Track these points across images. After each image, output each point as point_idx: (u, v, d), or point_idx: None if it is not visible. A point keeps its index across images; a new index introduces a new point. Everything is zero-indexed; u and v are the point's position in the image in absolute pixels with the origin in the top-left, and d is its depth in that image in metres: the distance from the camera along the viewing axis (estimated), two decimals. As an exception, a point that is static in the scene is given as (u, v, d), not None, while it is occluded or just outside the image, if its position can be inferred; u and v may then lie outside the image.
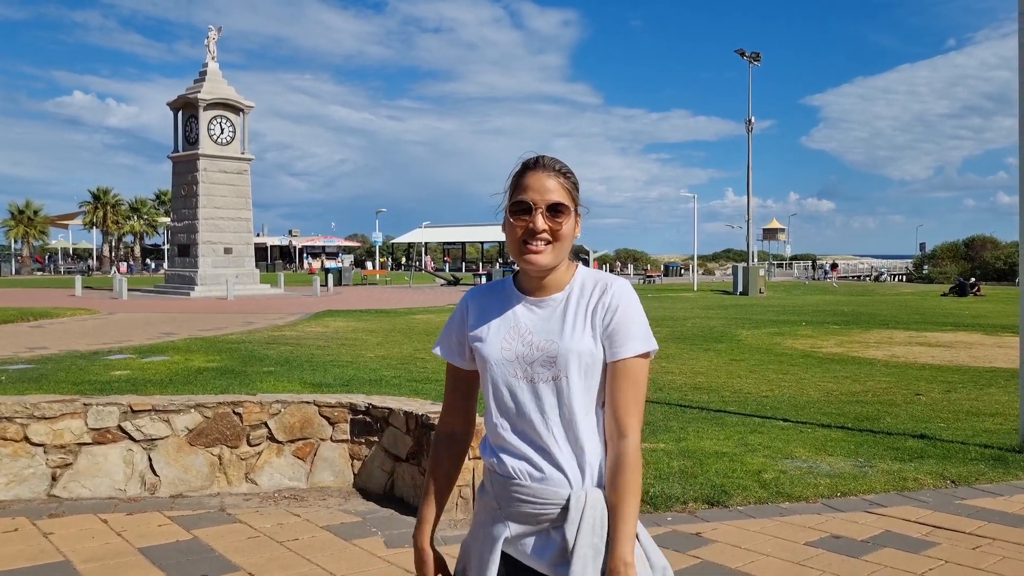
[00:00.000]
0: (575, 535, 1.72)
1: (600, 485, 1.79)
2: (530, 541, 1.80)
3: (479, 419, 2.06)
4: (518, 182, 1.84)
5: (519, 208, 1.81)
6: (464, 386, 1.98)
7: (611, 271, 48.03)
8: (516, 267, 1.94)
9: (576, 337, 1.79)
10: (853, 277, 65.55)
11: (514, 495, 1.79)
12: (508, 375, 1.82)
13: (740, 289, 34.63)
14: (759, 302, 28.86)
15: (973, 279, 38.05)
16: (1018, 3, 6.60)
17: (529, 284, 1.88)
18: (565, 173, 1.85)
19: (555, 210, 1.80)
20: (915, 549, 4.32)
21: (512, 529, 1.80)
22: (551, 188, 1.81)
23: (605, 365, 1.82)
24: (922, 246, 71.03)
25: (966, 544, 4.38)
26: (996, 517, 4.83)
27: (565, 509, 1.75)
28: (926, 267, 60.44)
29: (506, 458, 1.82)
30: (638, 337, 1.81)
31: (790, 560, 4.18)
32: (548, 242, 1.80)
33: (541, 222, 1.79)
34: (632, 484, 1.76)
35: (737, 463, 5.95)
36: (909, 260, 73.72)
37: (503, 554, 1.82)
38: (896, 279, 62.48)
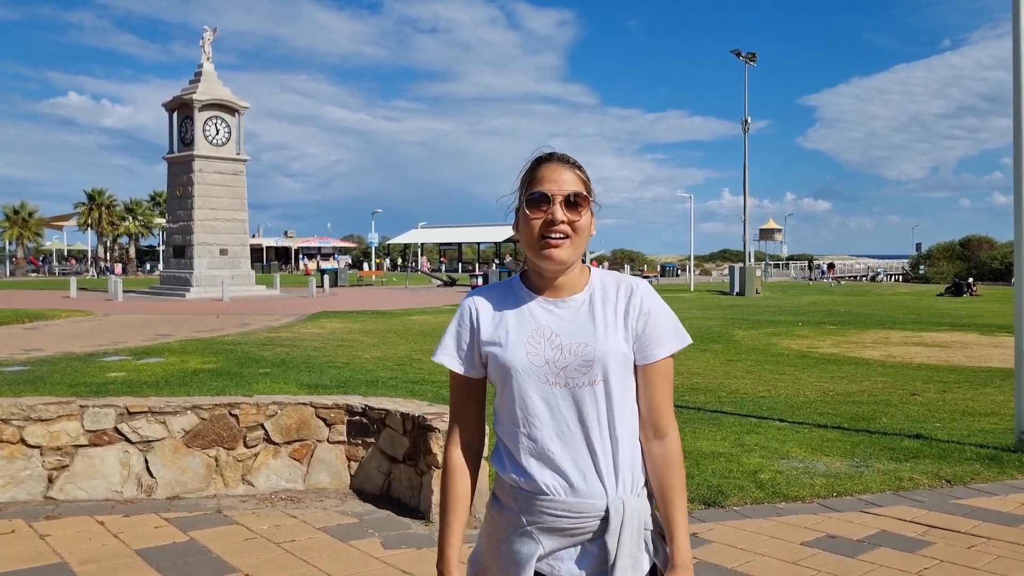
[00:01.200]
0: (616, 545, 1.68)
1: (633, 491, 1.74)
2: (565, 555, 1.73)
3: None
4: (532, 175, 1.77)
5: (536, 199, 1.73)
6: (476, 396, 1.86)
7: None
8: (510, 267, 1.90)
9: (611, 339, 1.73)
10: (850, 277, 65.69)
11: (546, 511, 1.72)
12: (539, 382, 1.73)
13: (737, 289, 34.67)
14: (755, 302, 28.90)
15: (971, 279, 38.13)
16: (1012, 3, 6.62)
17: (543, 284, 1.80)
18: (579, 166, 1.79)
19: (573, 201, 1.73)
20: (911, 549, 4.33)
21: (545, 546, 1.73)
22: (567, 179, 1.74)
23: (634, 367, 1.78)
24: (918, 246, 71.16)
25: (961, 543, 4.40)
26: (991, 516, 4.84)
27: (604, 520, 1.70)
28: (922, 267, 60.58)
29: (535, 472, 1.73)
30: (671, 337, 1.79)
31: (786, 560, 4.19)
32: (567, 235, 1.73)
33: (560, 213, 1.72)
34: (681, 481, 1.78)
35: (734, 463, 5.96)
36: (905, 260, 73.87)
37: (536, 571, 1.74)
38: (892, 279, 62.63)
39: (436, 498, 4.85)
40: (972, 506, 5.06)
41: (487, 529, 1.85)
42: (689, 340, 1.82)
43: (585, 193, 1.76)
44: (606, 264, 65.01)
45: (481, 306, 1.84)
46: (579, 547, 1.73)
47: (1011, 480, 5.68)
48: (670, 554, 1.75)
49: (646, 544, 1.74)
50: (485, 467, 4.92)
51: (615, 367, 1.72)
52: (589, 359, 1.72)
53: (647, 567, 1.73)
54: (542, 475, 1.72)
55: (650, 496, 1.81)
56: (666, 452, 1.78)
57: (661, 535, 1.78)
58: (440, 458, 4.87)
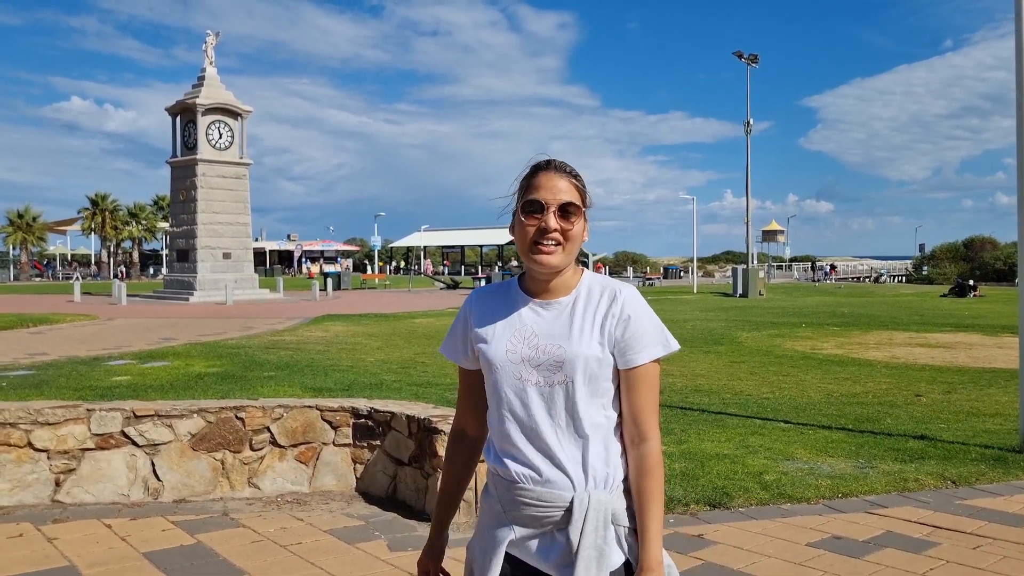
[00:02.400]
0: (579, 537, 1.75)
1: (605, 487, 1.80)
2: (535, 543, 1.82)
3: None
4: (529, 182, 1.85)
5: (531, 207, 1.81)
6: (476, 387, 1.97)
7: (610, 274, 47.92)
8: (512, 270, 1.95)
9: (584, 342, 1.80)
10: (853, 278, 65.67)
11: (518, 499, 1.81)
12: (514, 378, 1.83)
13: (740, 291, 34.66)
14: (759, 304, 28.88)
15: (972, 280, 38.07)
16: (1015, 4, 6.63)
17: (535, 286, 1.88)
18: (575, 175, 1.86)
19: (566, 210, 1.80)
20: (916, 549, 4.33)
21: (517, 532, 1.83)
22: (562, 188, 1.81)
23: (615, 371, 1.83)
24: (921, 247, 71.14)
25: (967, 544, 4.40)
26: (996, 517, 4.84)
27: (568, 511, 1.77)
28: (925, 268, 60.49)
29: (510, 462, 1.83)
30: (652, 343, 1.83)
31: (792, 561, 4.19)
32: (558, 243, 1.80)
33: (553, 221, 1.79)
34: (657, 487, 1.81)
35: (738, 465, 5.97)
36: (909, 261, 73.80)
37: (510, 556, 1.85)
38: (896, 280, 62.56)
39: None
40: (977, 507, 5.06)
41: (480, 516, 1.97)
42: (676, 347, 1.86)
43: (578, 203, 1.83)
44: (605, 269, 64.89)
45: (477, 304, 1.96)
46: (548, 535, 1.81)
47: (1016, 480, 5.68)
48: (640, 556, 1.79)
49: (619, 539, 1.79)
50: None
51: (584, 369, 1.79)
52: (560, 359, 1.80)
53: (618, 562, 1.78)
54: (515, 465, 1.83)
55: (628, 493, 1.85)
56: (644, 456, 1.82)
57: (635, 532, 1.82)
58: (446, 460, 4.89)
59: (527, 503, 1.80)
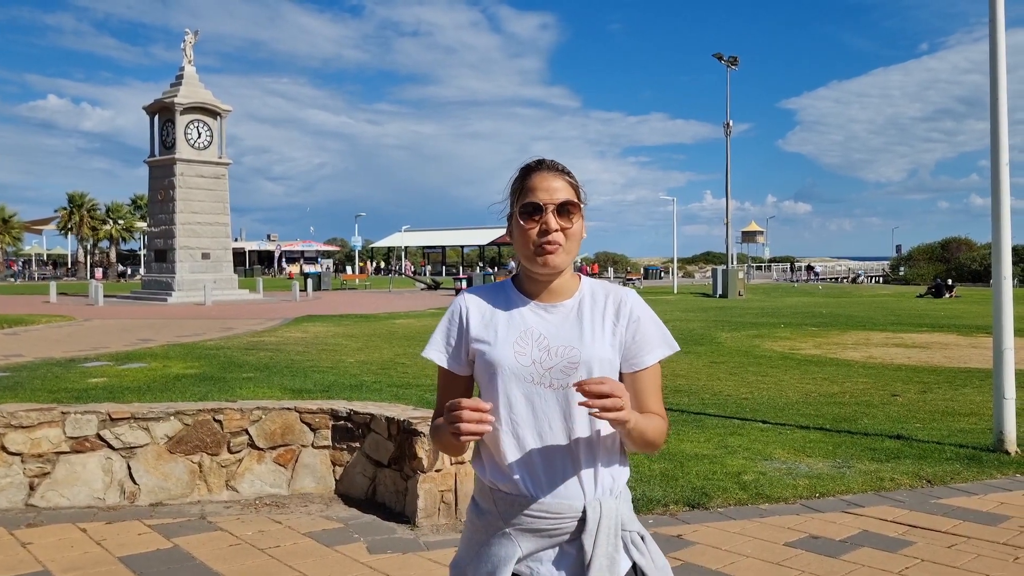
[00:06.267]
0: (592, 545, 1.71)
1: (611, 494, 1.78)
2: (544, 556, 1.75)
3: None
4: (523, 185, 1.82)
5: (529, 209, 1.78)
6: (461, 393, 1.88)
7: (593, 275, 47.96)
8: (499, 272, 1.93)
9: (597, 344, 1.79)
10: (831, 279, 66.24)
11: (525, 512, 1.75)
12: (525, 382, 1.77)
13: (719, 291, 34.86)
14: (738, 304, 29.04)
15: (951, 280, 38.48)
16: (989, 7, 6.71)
17: (535, 288, 1.84)
18: (568, 173, 1.84)
19: (564, 209, 1.78)
20: (892, 548, 4.37)
21: (524, 548, 1.75)
22: (558, 187, 1.79)
23: (620, 375, 1.82)
24: (898, 248, 71.85)
25: (942, 543, 4.45)
26: (971, 516, 4.90)
27: (582, 520, 1.73)
28: (902, 268, 61.10)
29: (515, 473, 1.76)
30: (659, 345, 1.84)
31: (769, 561, 4.22)
32: (560, 243, 1.78)
33: (553, 222, 1.77)
34: (656, 425, 1.79)
35: (717, 465, 6.00)
36: (886, 262, 74.50)
37: (517, 573, 1.76)
38: (873, 280, 63.16)
39: (422, 503, 4.84)
40: (952, 506, 5.12)
41: (467, 534, 1.87)
42: (677, 347, 1.87)
43: (576, 200, 1.81)
44: (586, 269, 64.77)
45: (472, 304, 1.88)
46: (557, 548, 1.75)
47: (990, 480, 5.75)
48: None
49: (625, 545, 1.77)
50: (469, 471, 4.92)
51: (598, 371, 1.76)
52: (575, 361, 1.76)
53: (625, 568, 1.76)
54: (522, 476, 1.76)
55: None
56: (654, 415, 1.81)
57: (641, 536, 1.81)
58: (426, 463, 4.88)
59: (535, 516, 1.74)
